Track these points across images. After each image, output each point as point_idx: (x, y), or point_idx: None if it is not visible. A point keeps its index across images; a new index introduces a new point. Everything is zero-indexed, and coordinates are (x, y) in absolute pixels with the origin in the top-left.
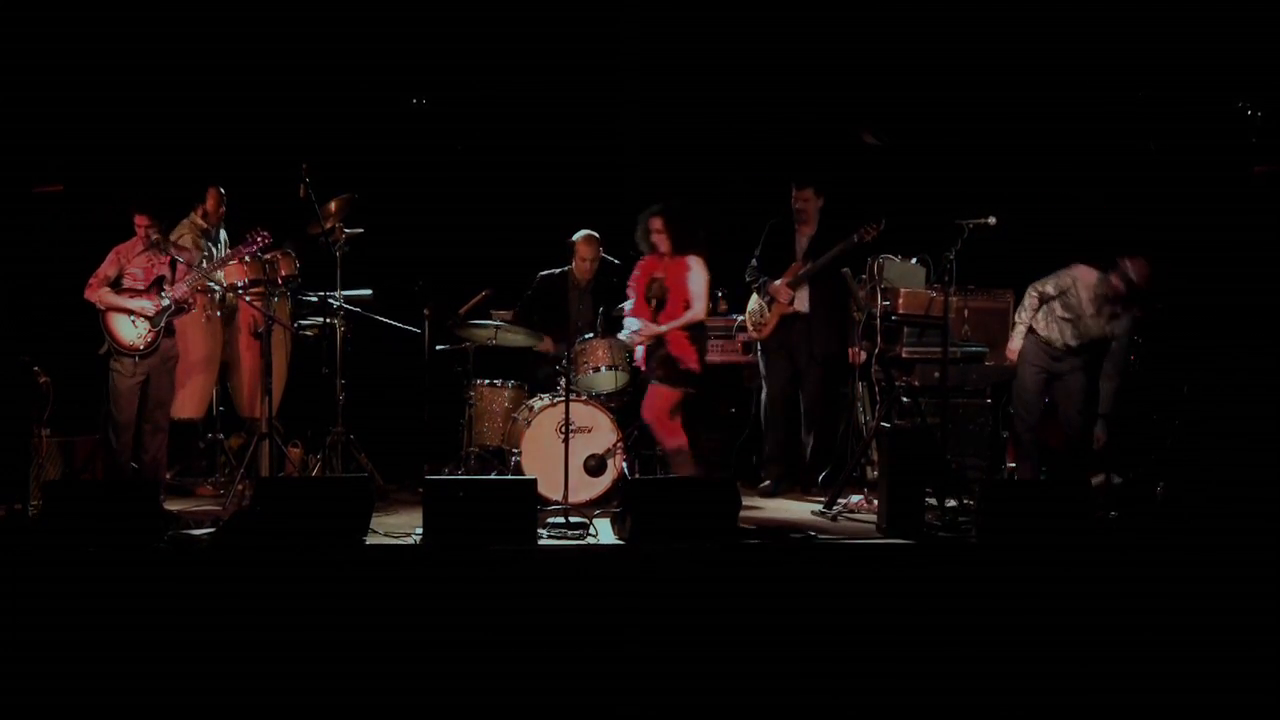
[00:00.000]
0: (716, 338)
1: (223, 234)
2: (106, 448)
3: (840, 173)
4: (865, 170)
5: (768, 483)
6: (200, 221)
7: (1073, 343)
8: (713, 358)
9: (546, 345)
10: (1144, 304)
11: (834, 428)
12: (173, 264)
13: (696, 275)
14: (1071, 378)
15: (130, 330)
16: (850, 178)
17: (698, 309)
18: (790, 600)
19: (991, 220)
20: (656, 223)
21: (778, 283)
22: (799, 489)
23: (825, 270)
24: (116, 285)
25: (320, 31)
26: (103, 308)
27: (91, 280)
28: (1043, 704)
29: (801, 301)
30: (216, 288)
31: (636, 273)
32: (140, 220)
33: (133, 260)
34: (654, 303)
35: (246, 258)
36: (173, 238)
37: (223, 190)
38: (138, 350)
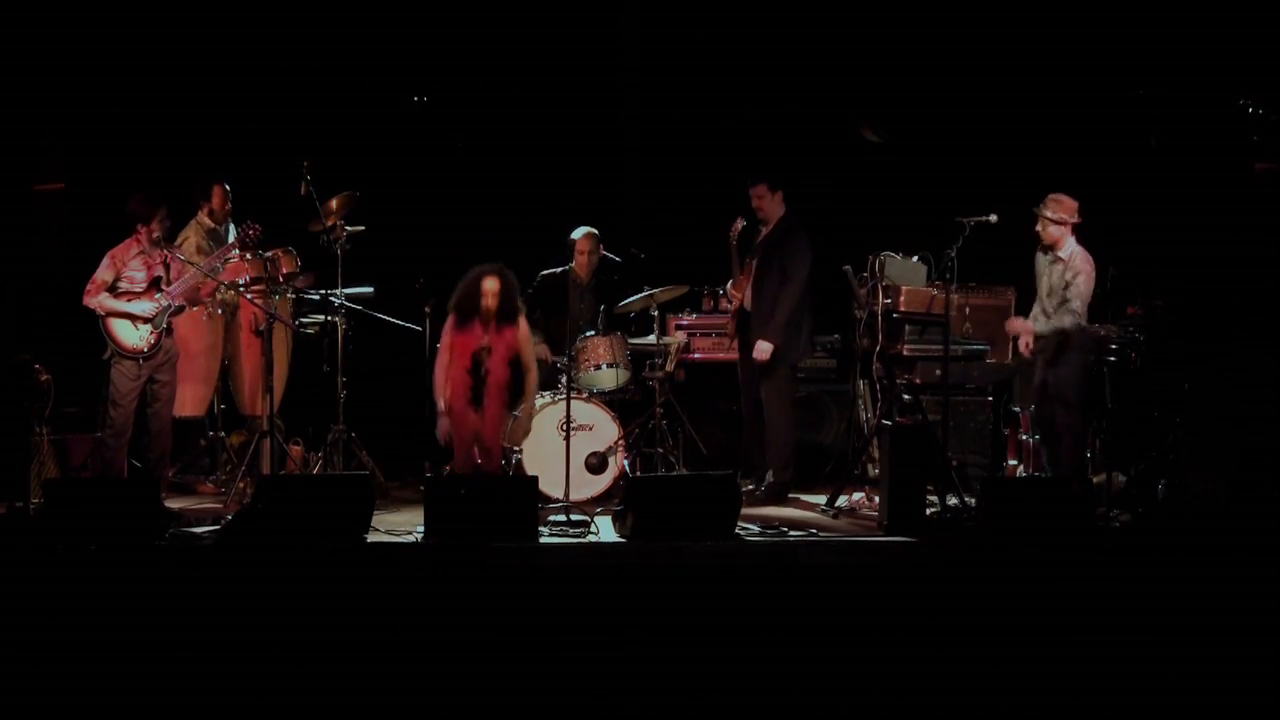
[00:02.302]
0: (718, 335)
1: (232, 230)
2: (102, 446)
3: (842, 172)
4: (867, 169)
5: (751, 487)
6: (207, 220)
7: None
8: (715, 356)
9: (543, 353)
10: None
11: (764, 427)
12: (165, 264)
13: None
14: None
15: (132, 334)
16: (853, 177)
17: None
18: (790, 598)
19: (993, 218)
20: (492, 284)
21: (731, 287)
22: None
23: (761, 267)
24: (113, 289)
25: (321, 30)
26: (102, 313)
27: (89, 286)
28: (1043, 704)
29: (748, 300)
30: (220, 283)
31: (455, 340)
32: (143, 228)
33: (128, 263)
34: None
35: (248, 255)
36: (177, 241)
37: (228, 186)
38: (141, 353)
